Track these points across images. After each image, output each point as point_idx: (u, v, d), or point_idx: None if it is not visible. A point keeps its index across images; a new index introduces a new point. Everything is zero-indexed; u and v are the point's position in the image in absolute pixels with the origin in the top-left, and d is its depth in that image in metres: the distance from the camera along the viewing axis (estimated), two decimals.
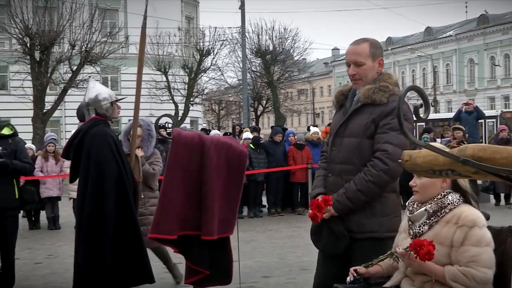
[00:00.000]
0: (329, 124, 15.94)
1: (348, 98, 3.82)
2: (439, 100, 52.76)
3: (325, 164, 3.87)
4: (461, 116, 15.07)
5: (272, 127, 16.48)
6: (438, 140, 15.47)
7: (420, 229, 3.21)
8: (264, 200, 13.67)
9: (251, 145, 13.01)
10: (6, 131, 6.08)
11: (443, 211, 3.17)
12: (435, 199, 3.20)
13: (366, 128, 3.63)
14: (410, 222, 3.30)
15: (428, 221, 3.19)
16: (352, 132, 3.67)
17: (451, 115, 22.77)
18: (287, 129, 16.19)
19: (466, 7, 60.10)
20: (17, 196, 5.90)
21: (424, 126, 19.79)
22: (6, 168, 5.79)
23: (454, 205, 3.16)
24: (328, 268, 3.81)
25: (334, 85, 69.34)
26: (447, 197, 3.19)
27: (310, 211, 3.61)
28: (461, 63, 55.40)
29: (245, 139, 13.54)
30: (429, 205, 3.21)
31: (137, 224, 5.37)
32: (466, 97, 46.39)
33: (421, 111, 1.91)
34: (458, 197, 3.19)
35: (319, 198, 3.60)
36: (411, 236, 3.24)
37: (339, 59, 69.20)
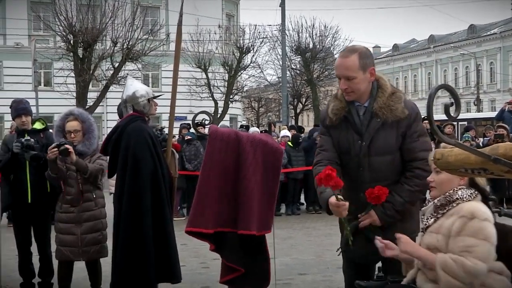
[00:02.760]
0: None
1: (352, 112, 3.73)
2: (482, 99, 51.81)
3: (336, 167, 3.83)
4: (504, 115, 14.82)
5: (315, 126, 16.41)
6: (480, 139, 15.21)
7: (427, 222, 3.21)
8: (303, 198, 13.65)
9: (289, 143, 13.01)
10: (38, 125, 6.25)
11: (450, 205, 3.15)
12: (446, 194, 3.19)
13: (397, 143, 3.66)
14: (422, 216, 3.32)
15: (434, 214, 3.20)
16: (381, 151, 3.65)
17: (494, 114, 22.34)
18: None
19: None
20: (49, 190, 6.00)
21: (465, 125, 19.48)
22: (38, 160, 5.92)
23: (463, 200, 3.13)
24: (353, 268, 3.87)
25: None
26: (456, 192, 3.17)
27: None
28: (505, 61, 54.30)
29: (282, 136, 13.55)
30: (438, 199, 3.21)
31: (169, 220, 5.42)
32: (510, 96, 45.43)
33: (452, 109, 1.89)
34: (469, 193, 3.16)
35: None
36: (422, 230, 3.27)
37: (379, 57, 68.58)
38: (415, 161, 3.62)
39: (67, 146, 5.53)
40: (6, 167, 6.05)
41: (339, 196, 3.49)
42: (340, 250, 3.89)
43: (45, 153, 5.87)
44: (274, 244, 4.97)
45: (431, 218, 3.21)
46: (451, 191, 3.18)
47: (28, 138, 5.98)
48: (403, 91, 3.90)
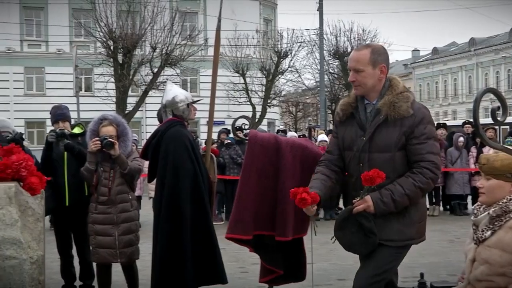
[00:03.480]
0: None
1: (359, 109, 3.78)
2: None
3: (325, 169, 3.90)
4: None
5: None
6: None
7: (482, 234, 3.09)
8: (341, 203, 13.55)
9: None
10: (77, 130, 6.35)
11: (507, 216, 3.04)
12: (500, 203, 3.08)
13: (398, 141, 3.62)
14: (474, 227, 3.20)
15: (490, 226, 3.08)
16: (382, 147, 3.64)
17: None
18: None
19: None
20: (86, 193, 6.01)
21: (508, 129, 19.10)
22: (72, 150, 6.00)
23: None
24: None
25: (413, 87, 68.02)
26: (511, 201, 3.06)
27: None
28: None
29: (320, 141, 13.48)
30: (493, 209, 3.10)
31: (211, 224, 5.44)
32: None
33: (499, 114, 1.83)
34: None
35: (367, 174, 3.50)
36: (475, 241, 3.14)
37: (419, 60, 67.78)
38: (422, 161, 3.60)
39: (110, 139, 5.56)
40: (46, 165, 6.11)
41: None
42: (334, 238, 3.81)
43: (80, 150, 5.96)
44: (312, 250, 4.93)
45: (488, 230, 3.09)
46: (505, 200, 3.08)
47: (62, 128, 6.09)
48: (413, 93, 3.86)
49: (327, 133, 15.34)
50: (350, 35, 33.36)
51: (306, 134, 17.19)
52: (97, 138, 5.57)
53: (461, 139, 13.22)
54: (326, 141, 13.46)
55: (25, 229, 2.84)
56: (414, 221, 3.69)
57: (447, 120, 40.28)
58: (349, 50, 33.02)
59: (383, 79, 3.73)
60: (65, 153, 6.09)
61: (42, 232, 3.10)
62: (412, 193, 3.57)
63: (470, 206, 13.57)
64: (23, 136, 6.91)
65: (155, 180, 5.63)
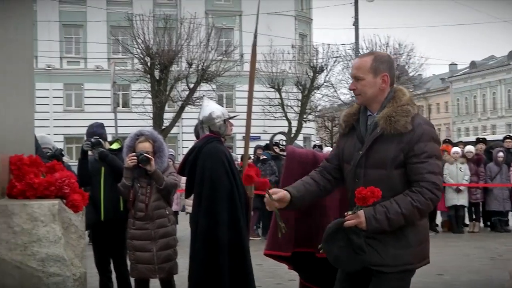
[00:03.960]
0: (445, 141, 15.35)
1: (360, 121, 3.58)
2: None
3: (316, 175, 3.71)
4: None
5: None
6: None
7: None
8: None
9: None
10: (115, 145, 6.40)
11: None
12: None
13: (395, 159, 3.39)
14: None
15: None
16: (378, 163, 3.42)
17: None
18: None
19: None
20: (122, 209, 6.04)
21: None
22: (105, 158, 6.07)
23: None
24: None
25: (451, 101, 67.17)
26: None
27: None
28: None
29: None
30: None
31: (246, 240, 5.43)
32: None
33: None
34: None
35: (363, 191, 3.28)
36: None
37: (456, 74, 66.99)
38: (422, 182, 3.36)
39: (146, 155, 5.60)
40: (81, 175, 6.16)
41: (270, 191, 3.45)
42: (321, 248, 3.55)
43: (114, 159, 6.02)
44: None
45: None
46: None
47: (97, 137, 6.16)
48: (417, 106, 3.64)
49: None
50: (386, 49, 33.08)
51: None
52: (133, 154, 5.62)
53: (501, 154, 12.99)
54: None
55: (68, 246, 2.87)
56: (412, 245, 3.45)
57: (486, 135, 39.64)
58: None
59: (386, 89, 3.52)
60: (102, 168, 6.16)
61: (84, 249, 3.13)
62: (409, 212, 3.33)
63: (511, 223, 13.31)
64: (63, 152, 7.02)
65: (192, 196, 5.66)
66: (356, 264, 3.42)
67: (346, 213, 3.39)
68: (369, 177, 3.40)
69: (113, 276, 6.39)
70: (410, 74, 35.03)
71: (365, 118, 3.57)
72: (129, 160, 5.61)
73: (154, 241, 5.61)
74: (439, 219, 13.31)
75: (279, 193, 3.52)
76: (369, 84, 3.49)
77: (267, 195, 3.47)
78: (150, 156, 5.59)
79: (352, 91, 3.63)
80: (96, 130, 6.40)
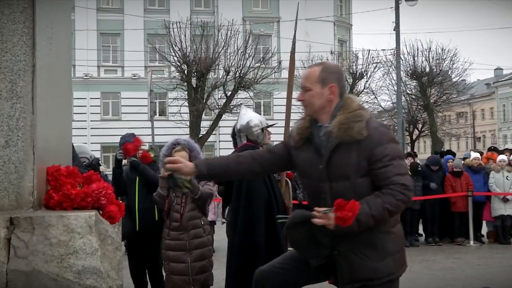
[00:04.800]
0: (491, 149, 15.08)
1: (314, 133, 3.53)
2: None
3: (250, 156, 3.76)
4: None
5: (435, 153, 15.89)
6: None
7: None
8: (421, 229, 13.25)
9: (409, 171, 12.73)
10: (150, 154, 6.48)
11: None
12: None
13: (357, 167, 3.35)
14: None
15: None
16: (341, 175, 3.38)
17: None
18: (447, 153, 15.56)
19: None
20: (157, 218, 6.08)
21: None
22: (137, 167, 6.11)
23: None
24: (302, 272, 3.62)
25: (497, 107, 65.99)
26: None
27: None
28: None
29: None
30: None
31: (285, 249, 5.40)
32: None
33: None
34: None
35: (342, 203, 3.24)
36: None
37: (502, 79, 65.84)
38: (392, 185, 3.31)
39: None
40: (116, 184, 6.23)
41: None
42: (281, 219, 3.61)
43: (145, 169, 6.08)
44: None
45: None
46: None
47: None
48: (369, 111, 3.60)
49: (405, 156, 15.09)
50: (429, 54, 32.79)
51: None
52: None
53: None
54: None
55: (104, 258, 2.89)
56: (391, 253, 3.44)
57: None
58: (427, 70, 32.50)
59: (334, 100, 3.49)
60: (137, 177, 6.22)
61: (121, 261, 3.15)
62: (379, 214, 3.29)
63: None
64: (100, 161, 7.12)
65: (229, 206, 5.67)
66: (318, 259, 3.47)
67: (316, 210, 3.35)
68: (336, 189, 3.37)
69: (149, 287, 6.43)
70: (454, 80, 34.56)
71: (316, 130, 3.55)
72: (164, 170, 5.64)
73: (188, 252, 5.60)
74: (484, 230, 13.06)
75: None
76: (316, 95, 3.48)
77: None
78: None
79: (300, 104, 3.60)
80: (129, 140, 6.47)
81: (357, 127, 3.35)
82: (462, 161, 13.46)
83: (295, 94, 5.85)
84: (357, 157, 3.35)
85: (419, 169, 12.81)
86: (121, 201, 3.40)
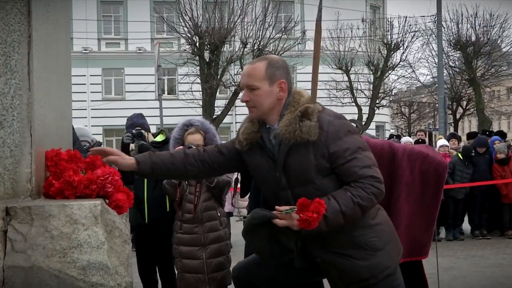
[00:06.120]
0: None
1: (263, 137, 3.55)
2: None
3: (192, 156, 3.82)
4: None
5: (482, 133, 15.78)
6: None
7: None
8: (466, 221, 13.22)
9: (459, 154, 12.68)
10: (159, 138, 6.50)
11: None
12: None
13: (318, 168, 3.38)
14: None
15: None
16: (301, 180, 3.41)
17: None
18: (493, 133, 15.42)
19: None
20: (168, 209, 6.08)
21: None
22: (145, 151, 6.15)
23: None
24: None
25: None
26: None
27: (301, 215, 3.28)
28: None
29: (441, 146, 13.21)
30: None
31: None
32: None
33: None
34: None
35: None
36: None
37: None
38: (360, 179, 3.36)
39: (197, 148, 5.57)
40: (123, 173, 6.24)
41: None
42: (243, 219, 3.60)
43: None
44: (438, 276, 4.82)
45: None
46: None
47: (139, 128, 6.27)
48: (320, 103, 3.59)
49: (448, 137, 14.99)
50: (475, 21, 32.48)
51: (426, 139, 16.80)
52: (181, 148, 5.60)
53: None
54: (447, 146, 13.19)
55: (112, 252, 2.92)
56: (379, 248, 3.50)
57: None
58: (473, 39, 32.23)
59: (284, 98, 3.52)
60: None
61: (130, 255, 3.17)
62: (349, 210, 3.32)
63: None
64: (102, 145, 7.16)
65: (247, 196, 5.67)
66: (279, 261, 3.51)
67: (277, 209, 3.37)
68: (299, 196, 3.36)
69: (159, 286, 6.48)
70: (504, 50, 34.24)
71: (266, 132, 3.56)
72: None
73: (203, 247, 5.56)
74: None
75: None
76: (265, 94, 3.49)
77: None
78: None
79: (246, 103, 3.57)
80: (136, 121, 6.48)
81: (306, 127, 3.38)
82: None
83: (321, 68, 5.86)
84: (314, 157, 3.39)
85: (472, 153, 12.64)
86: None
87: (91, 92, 36.56)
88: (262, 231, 3.43)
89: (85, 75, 35.79)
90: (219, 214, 5.73)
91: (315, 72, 5.67)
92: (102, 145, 7.29)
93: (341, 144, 3.38)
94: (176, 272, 5.75)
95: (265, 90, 3.49)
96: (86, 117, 34.27)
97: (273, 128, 3.53)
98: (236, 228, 11.81)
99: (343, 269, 3.49)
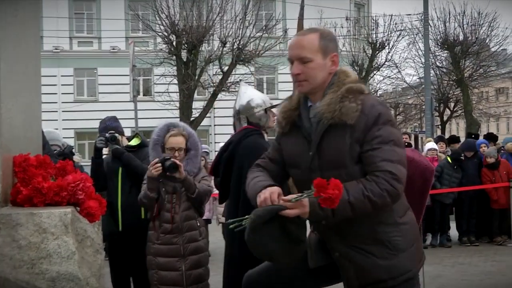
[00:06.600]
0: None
1: (302, 115, 3.52)
2: None
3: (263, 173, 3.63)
4: None
5: (468, 136, 15.90)
6: None
7: None
8: (453, 227, 13.30)
9: (448, 158, 12.76)
10: (134, 141, 6.46)
11: None
12: None
13: (351, 153, 3.35)
14: None
15: None
16: (334, 162, 3.37)
17: None
18: (478, 136, 15.53)
19: None
20: (143, 216, 6.02)
21: None
22: (119, 156, 6.13)
23: None
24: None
25: None
26: None
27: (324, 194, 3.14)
28: None
29: (429, 150, 13.29)
30: None
31: None
32: None
33: None
34: None
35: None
36: None
37: None
38: (377, 171, 3.30)
39: (174, 160, 5.50)
40: (96, 177, 6.20)
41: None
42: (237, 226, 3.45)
43: (130, 158, 6.08)
44: (425, 285, 4.84)
45: None
46: None
47: (113, 132, 6.24)
48: (367, 87, 3.56)
49: (436, 140, 15.08)
50: (462, 20, 32.71)
51: (412, 143, 16.91)
52: (157, 160, 5.51)
53: None
54: (435, 149, 13.26)
55: (83, 263, 2.90)
56: (402, 249, 3.44)
57: None
58: (461, 38, 32.45)
59: (333, 72, 3.50)
60: (120, 169, 6.21)
61: (102, 265, 3.16)
62: (358, 203, 3.25)
63: None
64: (73, 150, 7.12)
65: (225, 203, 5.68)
66: (293, 257, 3.40)
67: (284, 199, 3.29)
68: (328, 179, 3.25)
69: None
70: (492, 49, 34.51)
71: (306, 110, 3.53)
72: (153, 169, 5.51)
73: (183, 258, 5.56)
74: None
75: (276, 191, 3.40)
76: (319, 67, 3.45)
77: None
78: (178, 163, 5.53)
79: (296, 76, 3.49)
80: (110, 124, 6.45)
81: (348, 109, 3.34)
82: (503, 147, 13.45)
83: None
84: (350, 141, 3.35)
85: (462, 157, 12.72)
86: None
87: (62, 93, 36.33)
88: (270, 227, 3.30)
89: (56, 76, 35.59)
90: (198, 224, 5.73)
91: None
92: (73, 149, 7.24)
93: (375, 130, 3.34)
94: (152, 285, 5.69)
95: (318, 62, 3.45)
96: (57, 120, 34.06)
97: (314, 107, 3.51)
98: (215, 236, 11.82)
99: (362, 266, 3.42)
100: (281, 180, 3.72)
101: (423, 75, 30.99)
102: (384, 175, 3.29)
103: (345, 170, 3.36)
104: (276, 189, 3.35)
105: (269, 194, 3.32)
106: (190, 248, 5.61)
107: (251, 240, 3.35)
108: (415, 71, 37.09)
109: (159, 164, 5.51)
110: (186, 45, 24.30)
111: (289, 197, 3.29)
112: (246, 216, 3.37)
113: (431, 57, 31.29)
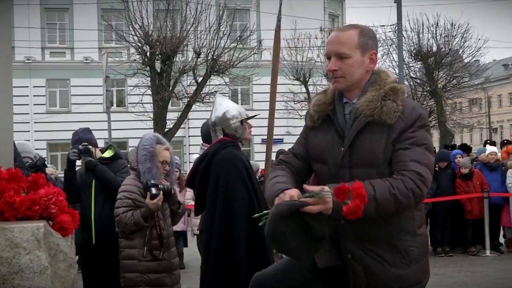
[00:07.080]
0: (504, 143, 15.10)
1: (337, 110, 3.50)
2: None
3: (290, 174, 3.56)
4: None
5: (443, 147, 16.01)
6: None
7: None
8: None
9: None
10: (107, 153, 6.46)
11: None
12: None
13: (386, 154, 3.33)
14: None
15: None
16: (366, 160, 3.34)
17: None
18: (454, 147, 15.63)
19: None
20: (116, 229, 5.91)
21: None
22: (93, 169, 6.11)
23: None
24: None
25: None
26: None
27: (349, 202, 3.06)
28: None
29: None
30: None
31: (270, 254, 5.43)
32: None
33: None
34: None
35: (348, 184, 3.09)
36: None
37: None
38: (404, 170, 3.25)
39: (168, 185, 5.65)
40: (68, 190, 6.15)
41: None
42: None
43: (104, 170, 6.06)
44: None
45: None
46: None
47: (86, 143, 6.22)
48: (406, 88, 3.50)
49: None
50: (436, 31, 32.97)
51: None
52: (155, 193, 5.51)
53: None
54: None
55: (56, 278, 2.88)
56: (416, 260, 3.42)
57: None
58: (434, 49, 32.71)
59: (371, 71, 3.48)
60: (94, 181, 6.18)
61: (75, 280, 3.13)
62: (384, 200, 3.18)
63: None
64: (46, 162, 7.06)
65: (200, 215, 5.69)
66: (312, 254, 3.37)
67: (305, 188, 3.22)
68: (357, 177, 3.22)
69: None
70: (465, 60, 34.83)
71: (341, 106, 3.50)
72: (158, 200, 5.52)
73: (170, 273, 5.68)
74: (502, 237, 13.20)
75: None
76: (357, 64, 3.42)
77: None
78: (174, 187, 5.73)
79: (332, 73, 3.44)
80: (83, 136, 6.42)
81: (387, 107, 3.33)
82: (477, 158, 13.54)
83: (278, 79, 5.85)
84: (386, 141, 3.33)
85: (436, 168, 12.79)
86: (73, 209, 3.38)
87: (34, 104, 36.11)
88: (292, 222, 3.20)
89: (27, 86, 35.39)
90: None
91: (273, 84, 5.70)
92: (46, 161, 7.19)
93: (410, 132, 3.32)
94: None
95: (356, 59, 3.41)
96: (29, 131, 33.85)
97: (350, 104, 3.47)
98: (190, 248, 11.79)
99: (372, 273, 3.37)
100: (306, 176, 3.69)
101: None
102: (411, 175, 3.25)
103: (376, 170, 3.33)
104: (295, 192, 3.27)
105: (289, 198, 3.25)
106: (175, 262, 5.76)
107: (272, 235, 3.25)
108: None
109: (161, 194, 5.55)
110: (160, 56, 24.23)
111: (311, 188, 3.19)
112: (269, 211, 3.31)
113: (405, 68, 31.52)
